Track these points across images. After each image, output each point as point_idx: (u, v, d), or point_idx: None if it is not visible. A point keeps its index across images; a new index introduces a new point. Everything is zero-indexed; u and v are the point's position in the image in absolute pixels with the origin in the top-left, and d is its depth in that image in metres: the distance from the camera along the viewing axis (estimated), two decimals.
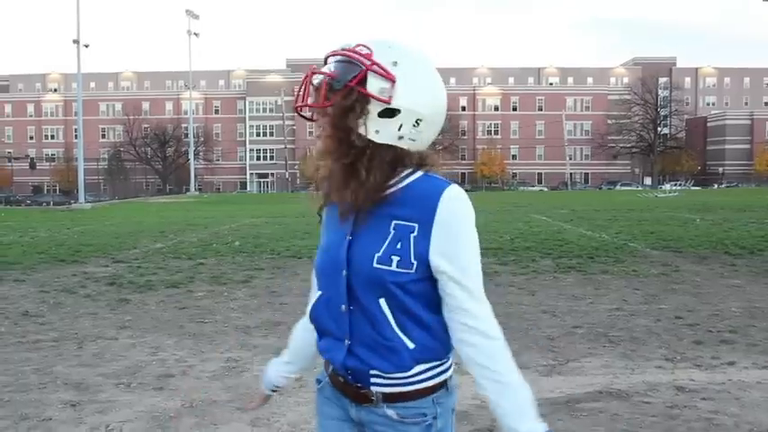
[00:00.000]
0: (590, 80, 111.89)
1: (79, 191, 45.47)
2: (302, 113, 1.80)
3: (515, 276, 10.87)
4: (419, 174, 1.75)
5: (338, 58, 1.72)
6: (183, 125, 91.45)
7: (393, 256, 1.70)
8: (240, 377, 5.71)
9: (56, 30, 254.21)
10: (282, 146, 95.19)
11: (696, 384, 5.35)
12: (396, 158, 1.73)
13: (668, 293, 9.36)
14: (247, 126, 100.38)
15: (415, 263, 1.70)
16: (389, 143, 1.71)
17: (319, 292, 1.83)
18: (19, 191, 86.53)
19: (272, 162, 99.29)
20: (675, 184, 69.69)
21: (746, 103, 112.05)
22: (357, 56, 1.69)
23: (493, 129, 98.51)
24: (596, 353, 6.34)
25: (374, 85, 1.68)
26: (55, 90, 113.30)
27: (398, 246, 1.70)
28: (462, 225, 1.70)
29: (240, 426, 4.60)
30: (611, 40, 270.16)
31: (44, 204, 56.71)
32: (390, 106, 1.69)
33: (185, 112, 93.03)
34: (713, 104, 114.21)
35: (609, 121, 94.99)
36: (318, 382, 1.94)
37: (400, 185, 1.74)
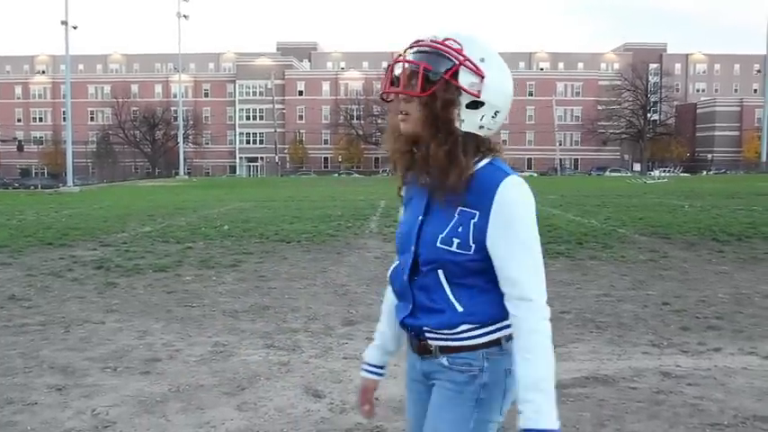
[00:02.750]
0: (580, 65, 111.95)
1: (67, 174, 45.25)
2: (388, 99, 2.01)
3: None
4: (485, 161, 1.97)
5: (427, 49, 1.91)
6: (173, 108, 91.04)
7: (454, 239, 1.93)
8: (227, 361, 5.70)
9: (44, 11, 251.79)
10: (272, 129, 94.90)
11: (682, 370, 5.38)
12: (477, 146, 1.95)
13: (656, 279, 9.40)
14: (237, 109, 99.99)
15: (474, 245, 1.92)
16: (472, 131, 1.92)
17: (397, 261, 2.10)
18: (6, 173, 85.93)
19: (261, 146, 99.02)
20: (665, 171, 69.77)
21: (736, 90, 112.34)
22: (450, 50, 1.88)
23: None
24: (584, 338, 6.36)
25: (465, 79, 1.88)
26: (43, 72, 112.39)
27: (460, 229, 1.92)
28: (515, 210, 1.90)
29: (227, 410, 4.59)
30: (602, 26, 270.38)
31: (32, 187, 56.16)
32: (479, 99, 1.90)
33: (174, 95, 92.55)
34: (703, 91, 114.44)
35: (599, 107, 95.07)
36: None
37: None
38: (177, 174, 75.61)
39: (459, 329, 1.95)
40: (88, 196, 33.87)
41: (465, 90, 1.87)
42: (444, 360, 2.00)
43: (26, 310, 7.68)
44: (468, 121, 1.90)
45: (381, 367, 2.26)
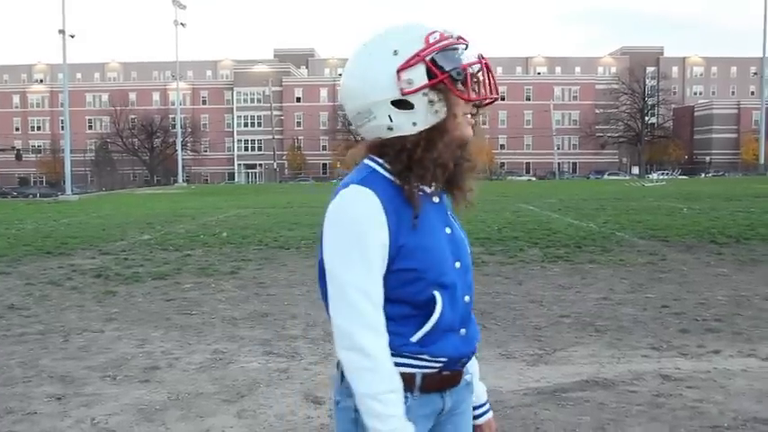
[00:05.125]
0: (578, 70, 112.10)
1: (66, 182, 45.19)
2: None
3: (503, 266, 10.88)
4: None
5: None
6: (171, 116, 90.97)
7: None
8: (227, 369, 5.69)
9: (41, 20, 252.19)
10: (270, 136, 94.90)
11: (682, 373, 5.38)
12: None
13: (655, 282, 9.40)
14: (235, 116, 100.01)
15: None
16: None
17: (437, 293, 1.68)
18: (5, 183, 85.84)
19: (259, 153, 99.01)
20: (663, 174, 69.92)
21: (733, 93, 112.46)
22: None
23: (481, 118, 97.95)
24: (583, 342, 6.36)
25: None
26: (41, 81, 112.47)
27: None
28: None
29: (227, 418, 4.59)
30: (598, 30, 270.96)
31: (30, 196, 56.09)
32: None
33: (172, 103, 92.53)
34: (700, 94, 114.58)
35: (596, 111, 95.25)
36: (405, 399, 1.67)
37: None
38: (176, 181, 75.55)
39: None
40: (87, 204, 33.83)
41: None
42: (468, 376, 1.84)
43: (25, 319, 7.68)
44: None
45: None
